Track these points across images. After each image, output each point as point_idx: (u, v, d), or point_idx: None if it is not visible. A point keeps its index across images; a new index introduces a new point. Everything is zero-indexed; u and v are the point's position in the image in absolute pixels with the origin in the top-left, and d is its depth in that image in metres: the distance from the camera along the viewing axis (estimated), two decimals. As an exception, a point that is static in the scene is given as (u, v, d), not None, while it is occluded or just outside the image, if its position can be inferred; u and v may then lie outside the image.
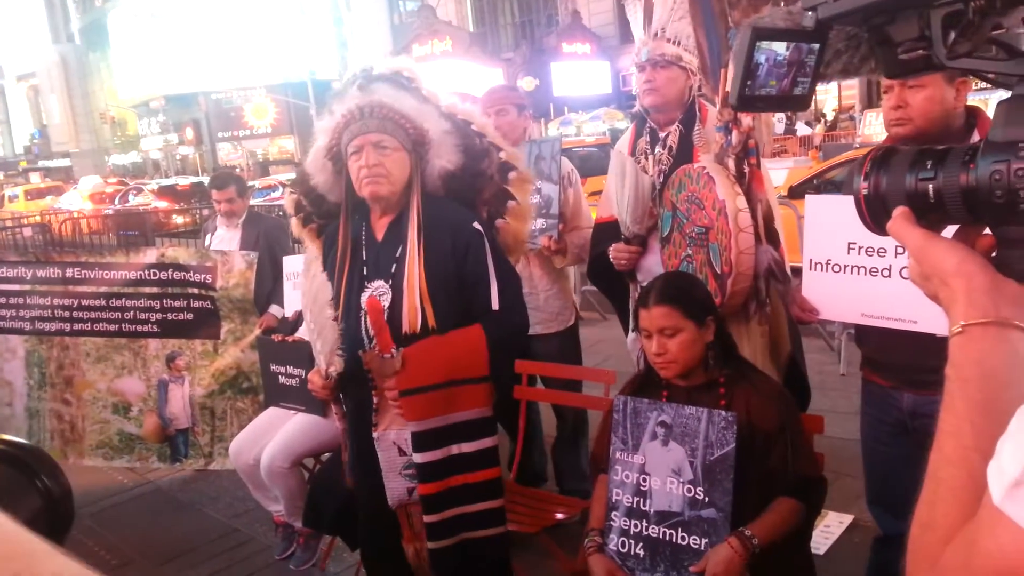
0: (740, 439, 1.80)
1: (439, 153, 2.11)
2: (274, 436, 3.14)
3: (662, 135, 2.64)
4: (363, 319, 2.11)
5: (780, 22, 1.14)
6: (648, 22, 2.55)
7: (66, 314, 3.85)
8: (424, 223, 2.09)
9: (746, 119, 2.15)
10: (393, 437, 2.10)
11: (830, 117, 22.15)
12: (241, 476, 3.25)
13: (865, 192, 0.77)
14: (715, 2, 2.25)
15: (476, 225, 2.11)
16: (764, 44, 1.40)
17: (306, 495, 3.02)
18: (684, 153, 2.57)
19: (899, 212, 0.73)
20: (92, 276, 3.85)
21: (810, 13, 0.92)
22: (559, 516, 2.71)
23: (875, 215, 0.76)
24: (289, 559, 3.27)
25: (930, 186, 0.71)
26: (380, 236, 2.16)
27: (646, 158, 2.66)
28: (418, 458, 2.04)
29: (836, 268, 2.01)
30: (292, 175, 20.22)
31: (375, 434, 2.10)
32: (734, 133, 2.18)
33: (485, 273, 2.09)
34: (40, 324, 3.88)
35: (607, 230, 2.76)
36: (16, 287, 3.87)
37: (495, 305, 2.09)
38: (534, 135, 3.51)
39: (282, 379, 3.32)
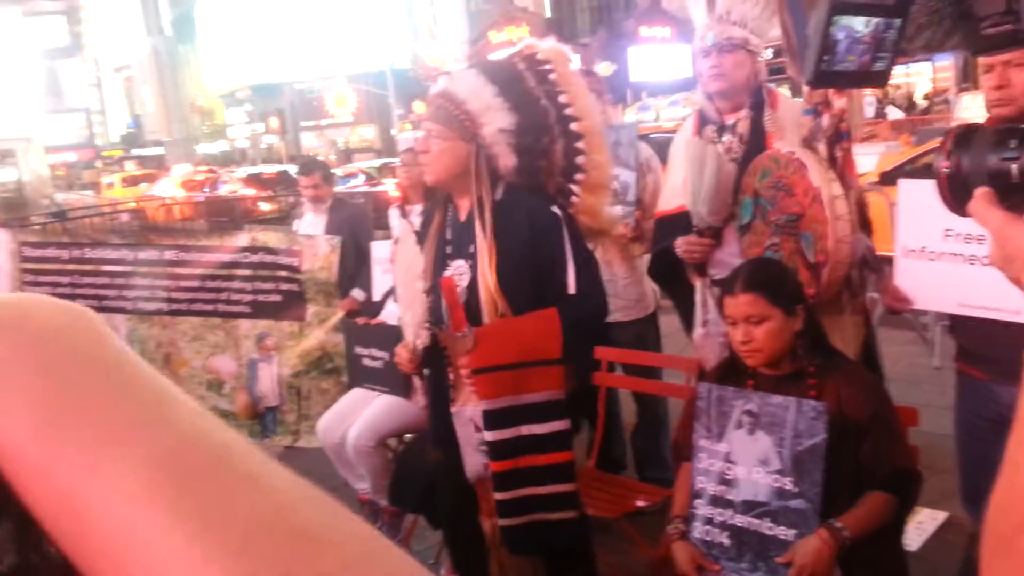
0: (831, 430, 1.76)
1: (494, 150, 2.13)
2: (359, 416, 3.24)
3: (728, 122, 2.56)
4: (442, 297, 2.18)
5: None
6: (712, 5, 2.49)
7: (165, 294, 4.04)
8: (500, 209, 2.13)
9: (838, 101, 2.08)
10: (469, 413, 2.14)
11: (922, 103, 21.16)
12: (328, 454, 3.36)
13: (947, 171, 0.75)
14: None
15: (554, 209, 2.13)
16: (842, 19, 1.35)
17: (390, 474, 3.11)
18: (756, 140, 2.48)
19: (980, 193, 0.70)
20: (189, 259, 4.03)
21: None
22: (640, 503, 2.71)
23: (957, 196, 0.74)
24: (373, 536, 3.36)
25: (1013, 166, 0.68)
26: (463, 217, 2.22)
27: (714, 146, 2.60)
28: (488, 436, 2.08)
29: (932, 256, 1.93)
30: (374, 163, 20.62)
31: (453, 409, 2.16)
32: (825, 117, 2.11)
33: (562, 257, 2.10)
34: (141, 304, 4.08)
35: (672, 223, 2.66)
36: (119, 268, 4.08)
37: (571, 289, 2.10)
38: (612, 121, 3.49)
39: (366, 361, 3.41)
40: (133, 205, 17.11)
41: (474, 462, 2.16)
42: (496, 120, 2.11)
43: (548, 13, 27.79)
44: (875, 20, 1.15)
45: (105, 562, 0.27)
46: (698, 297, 2.56)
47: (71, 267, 4.10)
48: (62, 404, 0.28)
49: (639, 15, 24.80)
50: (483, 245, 2.11)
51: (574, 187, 2.19)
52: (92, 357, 0.29)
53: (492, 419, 2.06)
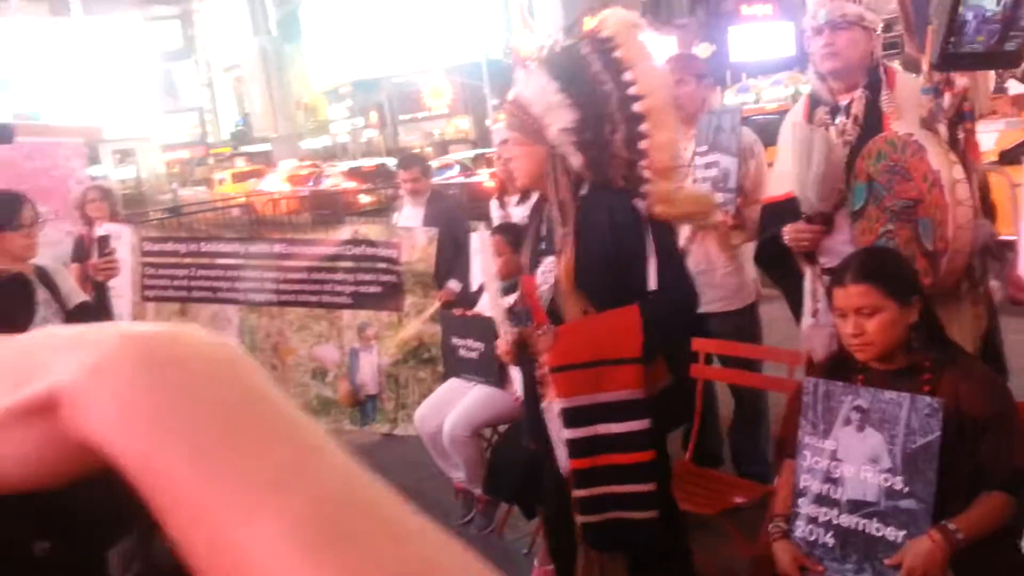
0: (947, 427, 1.67)
1: (562, 149, 2.11)
2: (455, 406, 3.29)
3: (843, 103, 2.43)
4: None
5: None
6: None
7: (274, 286, 4.22)
8: (583, 205, 2.12)
9: (960, 80, 1.95)
10: (557, 408, 2.14)
11: (1052, 72, 19.64)
12: (425, 443, 3.43)
13: None
14: None
15: (636, 203, 2.09)
16: None
17: (486, 464, 3.15)
18: (872, 121, 2.35)
19: None
20: (296, 251, 4.19)
21: None
22: (738, 500, 2.64)
23: None
24: (469, 524, 3.42)
25: None
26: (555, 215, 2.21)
27: (827, 130, 2.48)
28: (566, 433, 2.08)
29: (1062, 242, 1.80)
30: (468, 153, 20.85)
31: (543, 404, 2.16)
32: (946, 96, 1.98)
33: (643, 252, 2.06)
34: (251, 295, 4.27)
35: (780, 210, 2.55)
36: (232, 261, 4.28)
37: (652, 284, 2.06)
38: (714, 105, 3.40)
39: (462, 352, 3.46)
40: (243, 200, 17.89)
41: (564, 456, 2.16)
42: (558, 119, 2.08)
43: (644, -4, 27.26)
44: None
45: None
46: (807, 286, 2.46)
47: (188, 260, 4.33)
48: (220, 441, 0.28)
49: (739, -6, 24.03)
50: (563, 244, 2.12)
51: (644, 174, 2.10)
52: (250, 395, 0.30)
53: (570, 417, 2.07)
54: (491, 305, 2.30)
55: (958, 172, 1.97)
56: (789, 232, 2.46)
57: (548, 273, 2.16)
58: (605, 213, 2.09)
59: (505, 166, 3.77)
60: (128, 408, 0.28)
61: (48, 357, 0.30)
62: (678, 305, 2.12)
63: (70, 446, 0.29)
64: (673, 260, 2.12)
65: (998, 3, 1.09)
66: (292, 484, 0.28)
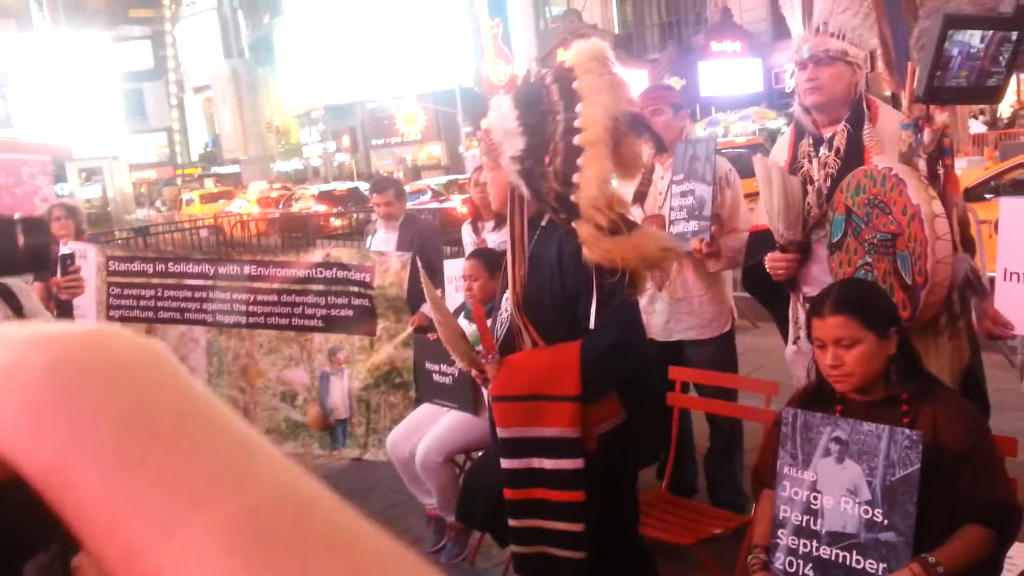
0: (925, 460, 1.67)
1: (512, 181, 2.13)
2: (428, 432, 3.24)
3: (826, 136, 2.48)
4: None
5: (968, 8, 1.04)
6: (808, 17, 2.41)
7: (243, 308, 4.15)
8: (541, 236, 2.13)
9: (940, 115, 1.98)
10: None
11: (1006, 114, 20.29)
12: (397, 468, 3.37)
13: None
14: None
15: (579, 241, 2.03)
16: (957, 34, 1.28)
17: (459, 491, 3.10)
18: (853, 154, 2.39)
19: None
20: (267, 273, 4.13)
21: None
22: (714, 530, 2.63)
23: None
24: (440, 552, 3.35)
25: None
26: None
27: (809, 161, 2.51)
28: (504, 463, 2.09)
29: (1036, 278, 1.82)
30: (441, 179, 20.87)
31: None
32: (926, 131, 2.01)
33: (587, 287, 2.03)
34: (220, 316, 4.19)
35: (764, 238, 2.60)
36: (200, 282, 4.21)
37: (591, 323, 2.04)
38: (690, 134, 3.43)
39: (436, 377, 3.42)
40: (211, 221, 17.69)
41: None
42: (510, 147, 2.09)
43: (617, 30, 27.76)
44: (991, 34, 1.09)
45: None
46: (791, 314, 2.49)
47: (155, 280, 4.25)
48: (137, 453, 0.26)
49: (710, 29, 24.53)
50: (513, 274, 2.13)
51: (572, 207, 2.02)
52: (171, 399, 0.28)
53: (506, 447, 2.08)
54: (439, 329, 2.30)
55: (937, 207, 2.00)
56: (767, 262, 2.52)
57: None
58: (555, 246, 2.08)
59: (482, 191, 3.77)
60: (35, 415, 0.26)
61: None
62: (617, 345, 2.04)
63: None
64: (613, 299, 2.03)
65: (982, 40, 1.12)
66: (217, 493, 0.26)
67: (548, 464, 2.05)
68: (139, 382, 0.28)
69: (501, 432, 2.07)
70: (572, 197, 1.97)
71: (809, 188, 2.45)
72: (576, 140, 1.96)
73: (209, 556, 0.25)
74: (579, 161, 1.96)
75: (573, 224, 1.99)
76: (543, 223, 2.13)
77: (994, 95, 1.33)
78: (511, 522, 2.11)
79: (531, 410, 2.04)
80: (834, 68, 2.36)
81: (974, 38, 1.13)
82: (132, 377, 0.28)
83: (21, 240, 0.85)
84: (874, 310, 1.82)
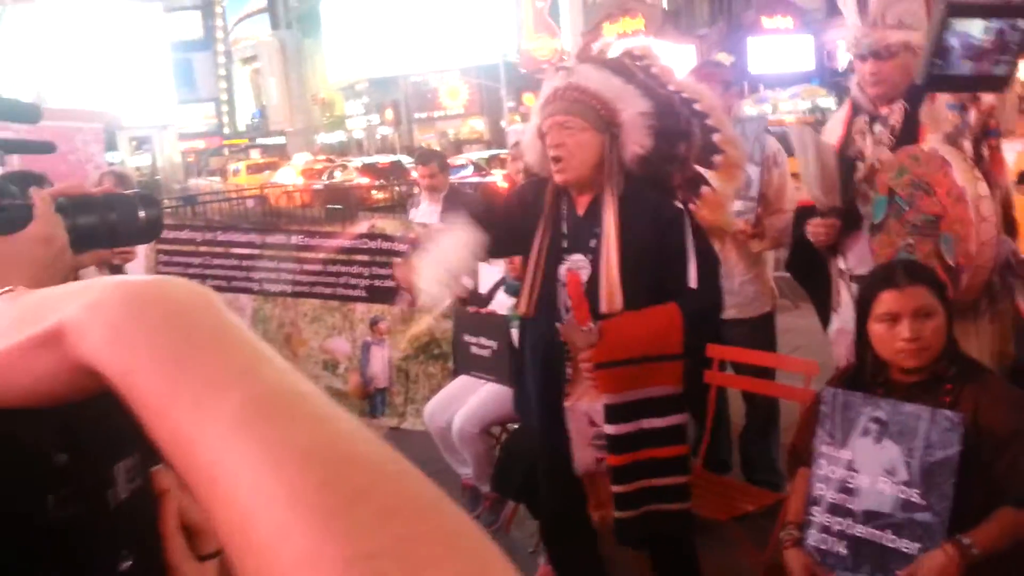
0: (966, 442, 1.66)
1: (630, 136, 2.11)
2: (465, 402, 3.29)
3: (883, 113, 2.45)
4: (560, 291, 2.17)
5: None
6: (864, 7, 2.36)
7: (289, 277, 4.24)
8: (624, 204, 2.11)
9: (987, 97, 1.94)
10: (584, 408, 2.14)
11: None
12: (434, 438, 3.43)
13: None
14: None
15: (678, 204, 2.12)
16: (958, 22, 1.25)
17: (494, 461, 3.15)
18: (908, 132, 2.35)
19: None
20: (313, 243, 4.20)
21: None
22: (748, 507, 2.64)
23: None
24: (475, 521, 3.42)
25: None
26: (581, 212, 2.21)
27: (863, 138, 2.48)
28: (610, 430, 2.08)
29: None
30: (483, 154, 20.86)
31: (567, 404, 2.15)
32: (971, 112, 1.98)
33: (684, 252, 2.09)
34: (266, 285, 4.29)
35: (809, 213, 2.61)
36: (247, 251, 4.30)
37: (693, 283, 2.08)
38: (740, 113, 3.40)
39: (474, 349, 3.46)
40: (257, 191, 17.95)
41: (586, 456, 2.16)
42: (633, 105, 2.10)
43: (665, 4, 27.26)
44: (996, 22, 1.07)
45: (198, 483, 0.33)
46: (834, 291, 2.49)
47: (203, 249, 4.35)
48: (183, 355, 0.35)
49: (760, 5, 23.98)
50: (610, 239, 2.10)
51: (709, 172, 2.16)
52: (209, 324, 0.36)
53: (614, 413, 2.07)
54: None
55: (983, 188, 1.97)
56: (809, 226, 2.53)
57: (581, 271, 2.16)
58: (649, 211, 2.11)
59: (519, 163, 3.75)
60: (114, 334, 0.35)
61: (59, 301, 0.37)
62: (713, 305, 2.17)
63: (75, 369, 0.36)
64: (709, 261, 2.14)
65: (985, 31, 1.10)
66: (233, 382, 0.34)
67: (658, 423, 2.09)
68: (191, 311, 0.36)
69: (610, 399, 2.06)
70: (716, 158, 2.13)
71: (860, 164, 2.43)
72: (699, 107, 2.13)
73: (224, 424, 0.33)
74: (710, 122, 2.13)
75: (705, 188, 2.14)
76: (621, 192, 2.15)
77: (1002, 83, 1.30)
78: (616, 488, 2.10)
79: (640, 373, 2.06)
80: (896, 60, 2.31)
81: (976, 27, 1.11)
82: (183, 308, 0.36)
83: (142, 214, 0.96)
84: (941, 284, 1.81)
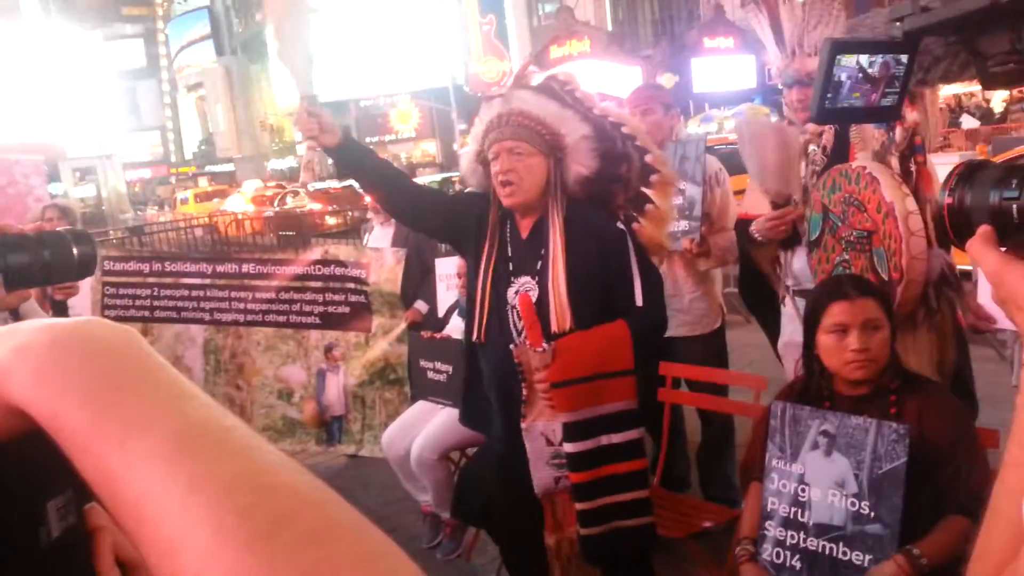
0: (912, 452, 1.71)
1: (575, 158, 2.17)
2: (423, 429, 3.27)
3: (815, 134, 2.52)
4: (511, 313, 2.19)
5: (866, 32, 1.11)
6: (779, 37, 2.44)
7: (240, 306, 4.17)
8: (568, 225, 2.16)
9: (911, 114, 2.03)
10: (541, 428, 2.16)
11: (998, 109, 20.37)
12: (392, 466, 3.40)
13: (949, 205, 0.74)
14: None
15: (620, 226, 2.18)
16: (845, 58, 1.33)
17: (454, 487, 3.13)
18: (840, 151, 2.44)
19: (981, 232, 0.70)
20: (264, 271, 4.14)
21: (898, 24, 0.90)
22: (706, 524, 2.66)
23: (958, 231, 0.74)
24: (436, 549, 3.38)
25: (1014, 206, 0.67)
26: (525, 235, 2.24)
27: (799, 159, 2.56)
28: (569, 448, 2.10)
29: (1018, 273, 1.86)
30: (436, 177, 20.88)
31: (523, 425, 2.16)
32: (897, 130, 2.06)
33: (629, 270, 2.15)
34: (217, 315, 4.21)
35: (746, 225, 2.67)
36: (197, 281, 4.22)
37: (639, 301, 2.13)
38: (681, 134, 3.46)
39: (431, 374, 3.45)
40: (206, 220, 17.65)
41: (544, 476, 2.17)
42: (575, 129, 2.15)
43: (610, 27, 27.75)
44: (881, 57, 1.14)
45: (127, 518, 0.35)
46: (787, 307, 2.54)
47: (151, 280, 4.25)
48: (104, 395, 0.36)
49: (702, 26, 24.55)
50: (557, 259, 2.14)
51: (648, 192, 2.22)
52: (133, 364, 0.38)
53: (572, 431, 2.09)
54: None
55: (911, 204, 2.04)
56: (761, 224, 2.53)
57: (530, 292, 2.18)
58: (593, 231, 2.15)
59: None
60: (40, 376, 0.37)
61: None
62: (656, 323, 2.21)
63: (4, 410, 0.37)
64: (652, 279, 2.19)
65: (870, 64, 1.17)
66: (156, 418, 0.36)
67: (615, 438, 2.11)
68: (112, 352, 0.38)
69: (567, 417, 2.08)
70: (653, 177, 2.20)
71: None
72: (653, 179, 2.20)
73: (148, 460, 0.35)
74: (640, 143, 2.21)
75: (648, 206, 2.21)
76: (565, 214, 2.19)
77: (889, 114, 1.40)
78: (579, 506, 2.12)
79: (595, 389, 2.09)
80: None
81: (863, 61, 1.19)
82: (108, 349, 0.38)
83: (76, 251, 0.97)
84: (887, 299, 1.86)
